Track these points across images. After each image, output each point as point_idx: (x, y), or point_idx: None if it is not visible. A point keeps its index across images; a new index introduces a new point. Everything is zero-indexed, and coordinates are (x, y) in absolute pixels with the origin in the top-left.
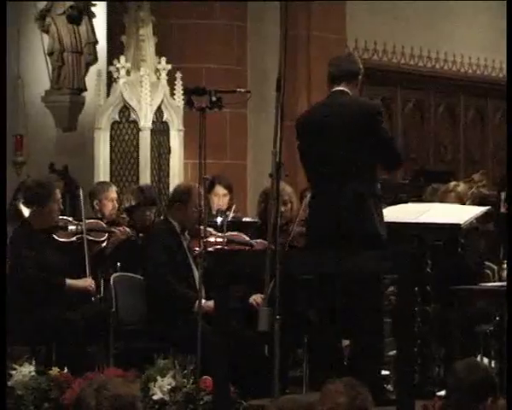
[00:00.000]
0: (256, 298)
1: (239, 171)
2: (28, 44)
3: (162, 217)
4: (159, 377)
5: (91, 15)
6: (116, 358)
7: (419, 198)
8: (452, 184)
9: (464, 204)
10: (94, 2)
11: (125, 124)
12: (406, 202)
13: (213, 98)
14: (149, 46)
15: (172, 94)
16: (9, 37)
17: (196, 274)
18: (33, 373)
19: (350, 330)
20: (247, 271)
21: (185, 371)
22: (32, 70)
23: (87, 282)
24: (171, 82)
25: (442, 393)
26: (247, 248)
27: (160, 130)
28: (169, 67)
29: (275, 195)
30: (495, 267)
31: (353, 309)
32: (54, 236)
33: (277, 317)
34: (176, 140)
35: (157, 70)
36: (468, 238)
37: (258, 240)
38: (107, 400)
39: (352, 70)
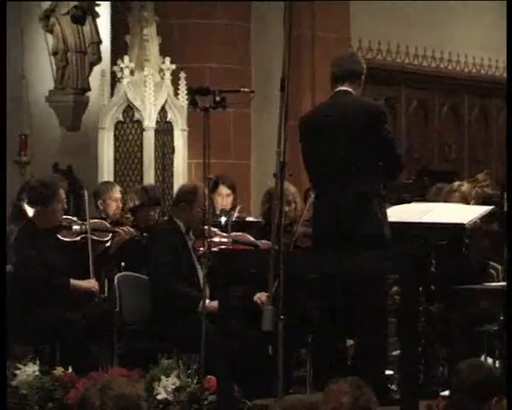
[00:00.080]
0: (261, 296)
1: (243, 171)
2: (32, 44)
3: (166, 217)
4: (163, 377)
5: (95, 15)
6: (120, 358)
7: (423, 198)
8: (456, 183)
9: (468, 204)
10: (98, 2)
11: (128, 124)
12: (410, 201)
13: (217, 98)
14: (153, 46)
15: (176, 94)
16: (13, 37)
17: (201, 274)
18: (37, 373)
19: (353, 330)
20: (250, 271)
21: (189, 371)
22: (36, 70)
23: (91, 283)
24: (174, 82)
25: (446, 393)
26: (251, 248)
27: (164, 130)
28: (173, 66)
29: (279, 195)
30: (499, 267)
31: (357, 309)
32: (58, 235)
33: (281, 317)
34: (180, 140)
35: (161, 70)
36: (472, 238)
37: (264, 241)
38: (112, 399)
39: (355, 70)
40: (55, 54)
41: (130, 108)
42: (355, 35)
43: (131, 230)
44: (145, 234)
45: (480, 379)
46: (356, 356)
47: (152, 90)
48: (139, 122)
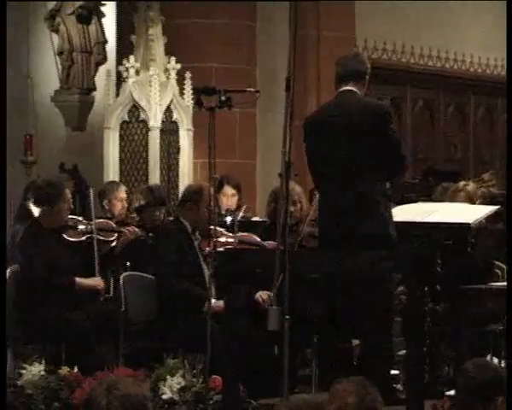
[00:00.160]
0: (262, 294)
1: (248, 170)
2: (38, 44)
3: (172, 217)
4: (168, 377)
5: (101, 15)
6: (125, 357)
7: (428, 198)
8: (462, 183)
9: (474, 204)
10: (103, 2)
11: (134, 124)
12: (416, 201)
13: (223, 98)
14: (159, 46)
15: (182, 94)
16: (19, 36)
17: (207, 274)
18: (43, 373)
19: (359, 329)
20: (256, 271)
21: (194, 371)
22: (42, 70)
23: (96, 281)
24: (180, 82)
25: (451, 393)
26: (257, 248)
27: (170, 129)
28: (178, 66)
29: (284, 195)
30: (504, 267)
31: (362, 309)
32: (63, 235)
33: (287, 317)
34: (185, 140)
35: (166, 70)
36: (477, 238)
37: (270, 242)
38: (118, 399)
39: (359, 70)
40: (60, 54)
41: (135, 108)
42: (360, 35)
43: (137, 230)
44: (151, 234)
45: (486, 379)
46: (361, 356)
47: (157, 89)
48: (144, 122)
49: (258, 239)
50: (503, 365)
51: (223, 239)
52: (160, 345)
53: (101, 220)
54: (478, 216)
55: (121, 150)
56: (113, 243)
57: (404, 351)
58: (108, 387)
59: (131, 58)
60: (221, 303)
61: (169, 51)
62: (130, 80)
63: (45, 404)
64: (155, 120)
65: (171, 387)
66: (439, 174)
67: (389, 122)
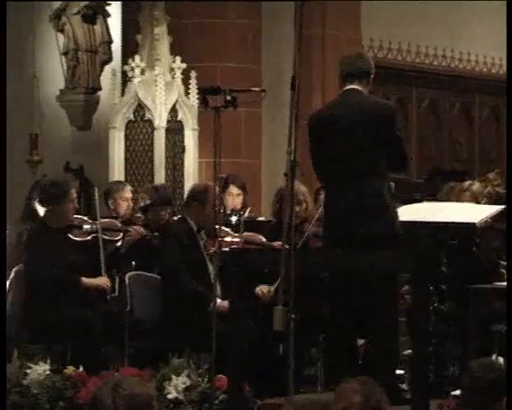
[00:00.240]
0: (262, 288)
1: (253, 170)
2: (43, 44)
3: (178, 216)
4: (173, 377)
5: (106, 15)
6: (131, 357)
7: (434, 197)
8: (467, 183)
9: (479, 203)
10: (109, 2)
11: (139, 123)
12: (421, 201)
13: (228, 97)
14: (164, 45)
15: (187, 93)
16: (24, 36)
17: (212, 273)
18: (48, 372)
19: (364, 329)
20: (261, 270)
21: (200, 371)
22: (47, 69)
23: (102, 280)
24: (185, 81)
25: (457, 392)
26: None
27: (175, 129)
28: (183, 66)
29: (289, 194)
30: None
31: (368, 308)
32: (69, 235)
33: (292, 316)
34: (190, 139)
35: (172, 69)
36: (482, 237)
37: (278, 242)
38: (123, 399)
39: (363, 69)
40: (65, 53)
41: (140, 108)
42: (366, 34)
43: (142, 229)
44: (156, 233)
45: (492, 379)
46: (367, 356)
47: (163, 89)
48: (150, 121)
49: (264, 239)
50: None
51: (228, 239)
52: (166, 345)
53: (107, 220)
54: (483, 216)
55: (126, 150)
56: (119, 243)
57: (410, 351)
58: (114, 386)
59: (137, 58)
60: (226, 303)
61: (174, 51)
62: (136, 80)
63: (50, 403)
64: (161, 120)
65: (176, 386)
66: (445, 174)
67: (395, 121)
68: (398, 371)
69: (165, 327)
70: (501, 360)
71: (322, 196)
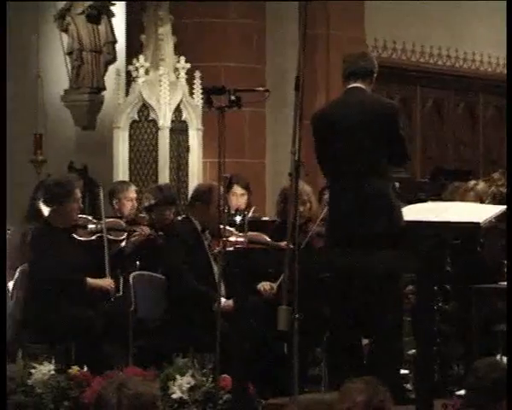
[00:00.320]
0: (264, 285)
1: (258, 170)
2: (47, 44)
3: (183, 216)
4: (178, 376)
5: (110, 15)
6: (135, 357)
7: (438, 197)
8: (472, 182)
9: (484, 203)
10: (113, 2)
11: (144, 123)
12: (425, 200)
13: (232, 97)
14: (168, 45)
15: (191, 93)
16: (28, 36)
17: (217, 273)
18: (53, 372)
19: (369, 329)
20: (265, 270)
21: (204, 370)
22: (52, 69)
23: (107, 282)
24: (189, 81)
25: (461, 392)
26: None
27: (179, 129)
28: (188, 66)
29: (293, 194)
30: None
31: (372, 308)
32: (73, 235)
33: (296, 316)
34: (195, 139)
35: (176, 69)
36: (487, 237)
37: (284, 242)
38: (128, 398)
39: (367, 67)
40: (70, 53)
41: (145, 108)
42: (370, 34)
43: (147, 229)
44: (160, 233)
45: (496, 379)
46: (371, 355)
47: (167, 89)
48: (154, 121)
49: (268, 239)
50: None
51: (233, 238)
52: (170, 344)
53: (112, 220)
54: (488, 215)
55: (131, 150)
56: (123, 243)
57: (414, 350)
58: (118, 386)
59: (141, 58)
60: (231, 302)
61: (178, 51)
62: (140, 80)
63: (55, 403)
64: (165, 120)
65: (180, 386)
66: (449, 174)
67: (398, 121)
68: (403, 371)
69: (170, 327)
70: (505, 359)
71: (326, 196)
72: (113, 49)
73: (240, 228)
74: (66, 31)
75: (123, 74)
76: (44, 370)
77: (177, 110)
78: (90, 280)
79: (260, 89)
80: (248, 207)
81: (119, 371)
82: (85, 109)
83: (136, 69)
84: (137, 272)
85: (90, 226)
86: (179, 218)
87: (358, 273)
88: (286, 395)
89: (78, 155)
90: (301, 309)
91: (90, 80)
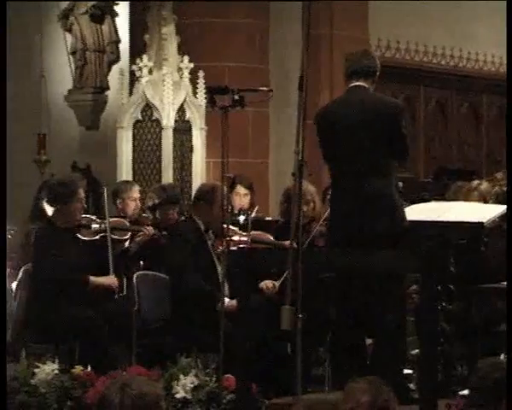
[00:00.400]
0: (267, 283)
1: (261, 170)
2: (51, 44)
3: (186, 215)
4: (181, 376)
5: (114, 14)
6: (139, 356)
7: (442, 197)
8: (475, 182)
9: (487, 203)
10: (116, 2)
11: (147, 123)
12: (429, 200)
13: (235, 97)
14: (172, 45)
15: (195, 93)
16: (32, 36)
17: (220, 273)
18: (56, 372)
19: (372, 328)
20: (268, 269)
21: (208, 370)
22: (55, 69)
23: (111, 279)
24: (193, 81)
25: (465, 392)
26: (271, 247)
27: (183, 129)
28: (191, 65)
29: (297, 194)
30: None
31: (375, 308)
32: (77, 234)
33: (300, 315)
34: (198, 139)
35: (179, 69)
36: (490, 237)
37: (287, 241)
38: (131, 398)
39: (370, 66)
40: (73, 53)
41: (148, 107)
42: (373, 34)
43: (152, 229)
44: (164, 232)
45: (500, 378)
46: (375, 355)
47: (170, 89)
48: (158, 121)
49: (272, 238)
50: None
51: (236, 238)
52: (174, 344)
53: (115, 219)
54: (491, 215)
55: (134, 149)
56: (127, 243)
57: (418, 350)
58: (122, 386)
59: (144, 57)
60: (234, 302)
61: (182, 50)
62: (144, 79)
63: (58, 403)
64: (168, 120)
65: (184, 386)
66: (452, 173)
67: (401, 120)
68: (406, 371)
69: (173, 327)
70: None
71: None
72: (117, 48)
73: (243, 228)
74: (69, 31)
75: (126, 74)
76: (48, 370)
77: (181, 110)
78: (93, 278)
79: (264, 89)
80: (251, 207)
81: (123, 370)
82: (89, 109)
83: (140, 69)
84: (141, 272)
85: (94, 226)
86: (182, 218)
87: (361, 273)
88: (289, 395)
89: (81, 154)
90: (304, 309)
91: (93, 80)
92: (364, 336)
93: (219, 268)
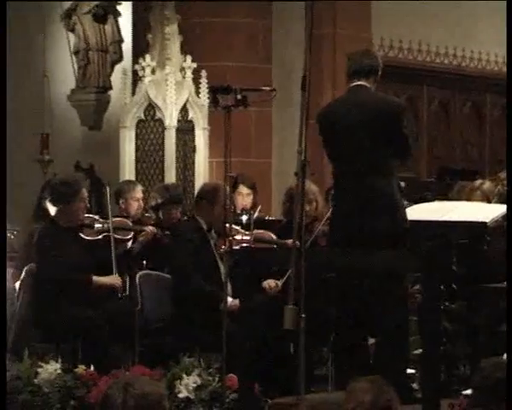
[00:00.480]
0: (270, 282)
1: (264, 169)
2: (54, 43)
3: (188, 215)
4: (184, 376)
5: (117, 14)
6: (141, 356)
7: (445, 196)
8: (478, 182)
9: (490, 202)
10: (119, 1)
11: (150, 122)
12: (432, 200)
13: (238, 96)
14: (175, 45)
15: (198, 92)
16: (35, 36)
17: (223, 272)
18: (59, 371)
19: (375, 328)
20: (271, 269)
21: (210, 370)
22: (58, 69)
23: (114, 279)
24: (196, 80)
25: (468, 392)
26: (274, 246)
27: (186, 128)
28: (194, 65)
29: (300, 193)
30: None
31: (378, 307)
32: (80, 234)
33: (302, 315)
34: (201, 139)
35: (182, 68)
36: (493, 236)
37: (291, 240)
38: (134, 398)
39: (372, 65)
40: (76, 53)
41: (151, 107)
42: (376, 33)
43: (155, 229)
44: (167, 232)
45: (498, 378)
46: (377, 355)
47: (173, 88)
48: (160, 121)
49: (275, 237)
50: None
51: (239, 237)
52: (176, 344)
53: (118, 219)
54: (494, 215)
55: (137, 149)
56: (130, 242)
57: (420, 350)
58: (125, 385)
59: (147, 57)
60: (237, 302)
61: (185, 50)
62: (146, 79)
63: (61, 403)
64: (171, 119)
65: (187, 386)
66: (455, 173)
67: (403, 119)
68: (409, 371)
69: (176, 326)
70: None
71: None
72: (120, 48)
73: (246, 228)
74: (72, 30)
75: (129, 74)
76: (51, 369)
77: (184, 110)
78: (96, 278)
79: (266, 88)
80: (254, 206)
81: (126, 370)
82: (92, 109)
83: (143, 69)
84: (144, 272)
85: (97, 226)
86: (185, 217)
87: (363, 273)
88: (292, 395)
89: (84, 154)
90: (307, 308)
91: (96, 80)
92: (367, 336)
93: (222, 268)
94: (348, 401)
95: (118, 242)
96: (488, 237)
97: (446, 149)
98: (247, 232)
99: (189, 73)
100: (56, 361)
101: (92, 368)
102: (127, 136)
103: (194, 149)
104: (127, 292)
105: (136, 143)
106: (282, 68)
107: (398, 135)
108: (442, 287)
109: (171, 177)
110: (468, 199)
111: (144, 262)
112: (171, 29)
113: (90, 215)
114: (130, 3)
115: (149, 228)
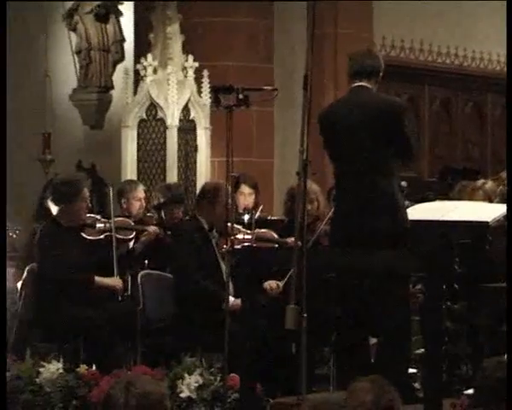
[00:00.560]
0: (271, 283)
1: (266, 169)
2: (56, 43)
3: (190, 215)
4: (186, 375)
5: (118, 14)
6: (143, 356)
7: (447, 196)
8: (480, 181)
9: (492, 202)
10: (121, 1)
11: (152, 122)
12: (434, 200)
13: (240, 96)
14: (176, 44)
15: (199, 92)
16: (37, 35)
17: (225, 272)
18: (61, 371)
19: (377, 328)
20: (273, 268)
21: (212, 369)
22: (60, 68)
23: (115, 281)
24: (198, 80)
25: (470, 391)
26: (276, 245)
27: (187, 128)
28: (196, 65)
29: (301, 193)
30: None
31: (380, 307)
32: (82, 234)
33: (304, 315)
34: (203, 138)
35: (184, 68)
36: (495, 236)
37: (292, 239)
38: (136, 397)
39: (374, 66)
40: (78, 52)
41: (153, 107)
42: (378, 33)
43: (156, 228)
44: (169, 232)
45: (499, 377)
46: (379, 354)
47: (175, 88)
48: (162, 120)
49: (276, 236)
50: None
51: (240, 236)
52: (178, 343)
53: (120, 219)
54: (496, 214)
55: (139, 149)
56: (132, 242)
57: (422, 350)
58: (126, 385)
59: (149, 56)
60: (239, 301)
61: (186, 50)
62: (148, 79)
63: (63, 402)
64: (173, 119)
65: (188, 385)
66: (457, 173)
67: (404, 119)
68: (411, 370)
69: (178, 326)
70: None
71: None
72: (122, 48)
73: (248, 227)
74: (74, 30)
75: (131, 73)
76: (53, 369)
77: (185, 109)
78: (98, 279)
79: (268, 88)
80: (256, 206)
81: (128, 370)
82: (93, 108)
83: (145, 68)
84: (145, 272)
85: (99, 225)
86: (186, 217)
87: (365, 273)
88: (294, 395)
89: (86, 154)
90: (308, 308)
91: (98, 79)
92: (367, 336)
93: (224, 267)
94: (350, 400)
95: (120, 241)
96: (490, 236)
97: (448, 148)
98: (248, 232)
99: (190, 73)
100: (58, 361)
101: (94, 368)
102: (129, 135)
103: (195, 149)
104: (129, 292)
105: (137, 143)
106: (284, 68)
107: (399, 135)
108: (444, 287)
109: (172, 176)
110: (470, 199)
111: (146, 262)
112: (173, 29)
113: (92, 215)
114: (131, 3)
115: (151, 228)
